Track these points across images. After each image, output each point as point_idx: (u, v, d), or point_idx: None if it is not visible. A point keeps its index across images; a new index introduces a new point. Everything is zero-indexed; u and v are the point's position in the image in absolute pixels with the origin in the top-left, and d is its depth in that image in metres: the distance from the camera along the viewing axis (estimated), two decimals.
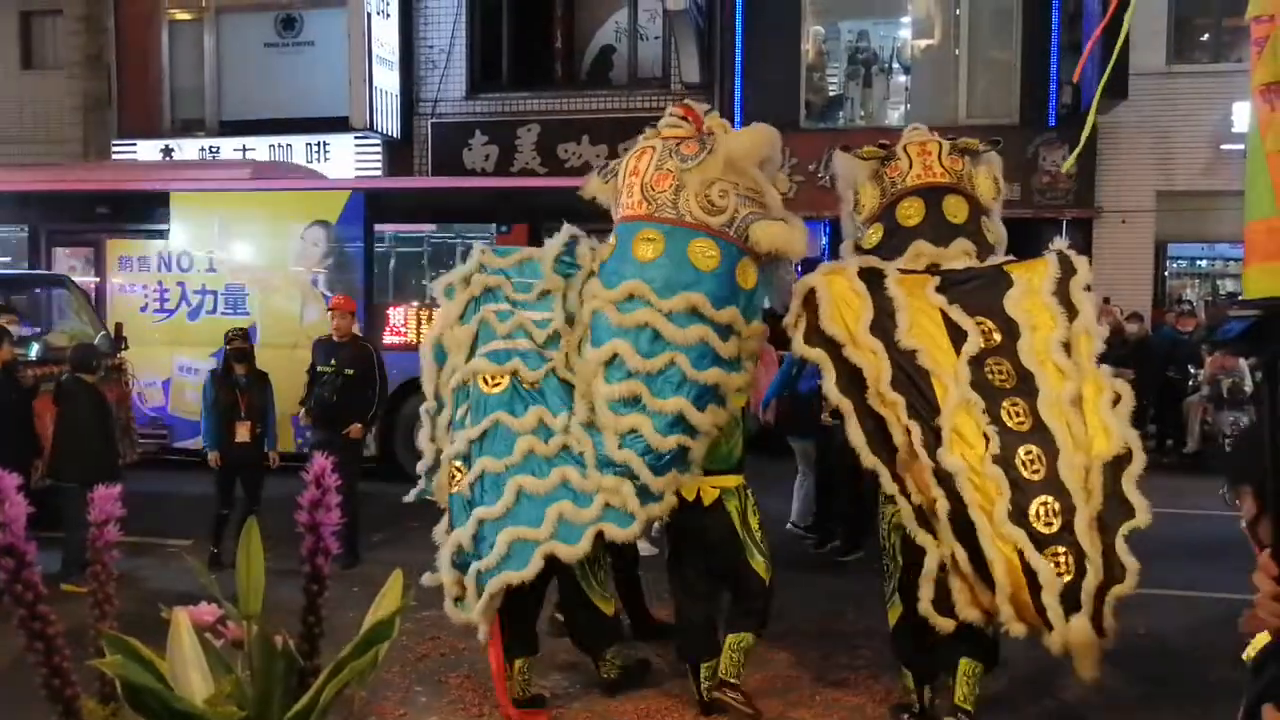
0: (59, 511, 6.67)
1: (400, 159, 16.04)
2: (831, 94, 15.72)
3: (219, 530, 7.79)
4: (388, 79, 15.43)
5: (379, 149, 15.83)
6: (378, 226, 11.51)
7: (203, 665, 1.39)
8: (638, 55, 16.00)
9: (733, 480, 5.29)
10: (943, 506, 4.63)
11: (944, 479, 4.64)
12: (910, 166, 5.51)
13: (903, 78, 15.42)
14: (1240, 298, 6.02)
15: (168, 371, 11.37)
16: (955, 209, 5.38)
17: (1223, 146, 13.62)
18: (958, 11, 14.83)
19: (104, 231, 11.80)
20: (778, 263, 5.29)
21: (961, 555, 4.63)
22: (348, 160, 15.86)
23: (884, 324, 4.91)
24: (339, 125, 15.38)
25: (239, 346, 8.02)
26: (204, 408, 8.08)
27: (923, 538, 4.76)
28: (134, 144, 16.64)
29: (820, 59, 15.62)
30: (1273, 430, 1.71)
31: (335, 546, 1.42)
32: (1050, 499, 4.55)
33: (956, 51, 14.88)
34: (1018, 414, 4.72)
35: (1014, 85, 14.45)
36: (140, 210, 11.64)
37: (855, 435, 4.89)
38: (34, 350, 9.35)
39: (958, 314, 4.93)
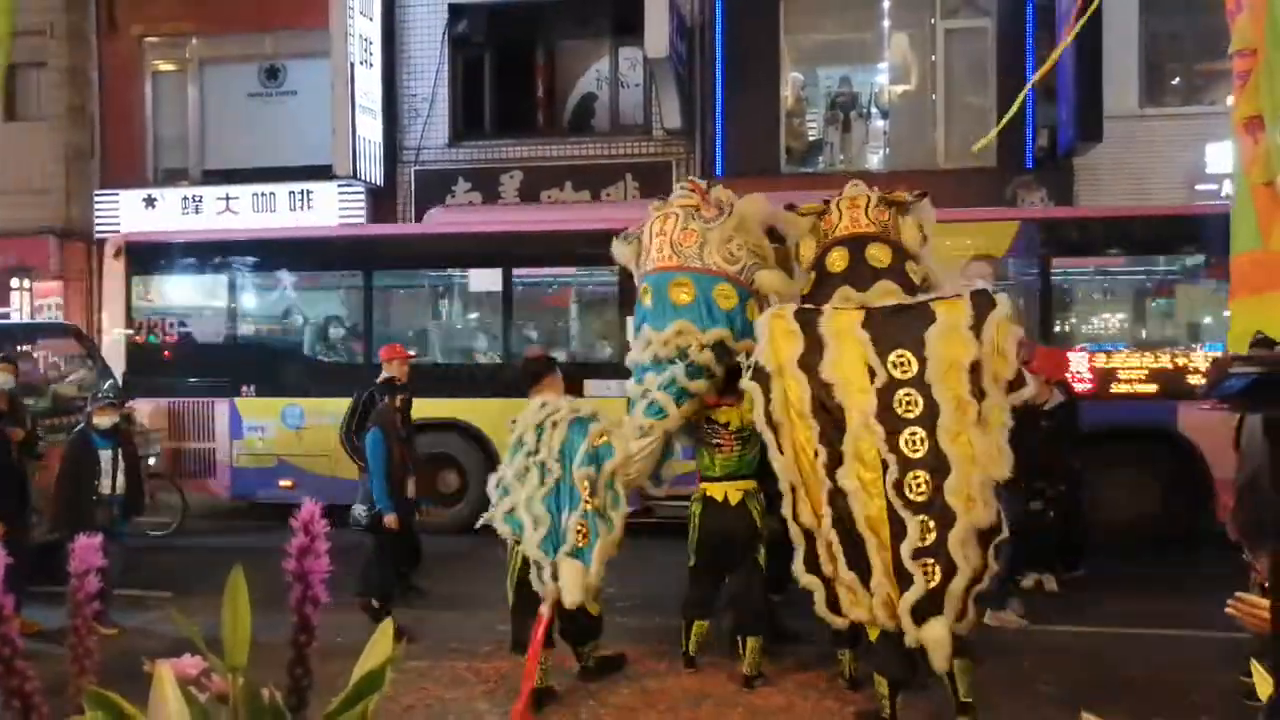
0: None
1: (383, 207, 16.09)
2: (811, 139, 15.86)
3: (389, 592, 7.53)
4: (371, 128, 15.51)
5: (362, 197, 15.88)
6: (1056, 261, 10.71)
7: None
8: (619, 102, 16.14)
9: (752, 484, 6.37)
10: (825, 523, 5.52)
11: (836, 498, 5.48)
12: (840, 219, 6.17)
13: (881, 123, 15.57)
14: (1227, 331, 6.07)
15: None
16: (878, 255, 5.98)
17: (1196, 187, 13.75)
18: (933, 58, 15.02)
19: None
20: (765, 301, 6.37)
21: (842, 568, 5.49)
22: (331, 208, 15.90)
23: (811, 359, 5.63)
24: (322, 173, 15.44)
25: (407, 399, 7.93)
26: (377, 465, 7.45)
27: (797, 554, 5.68)
28: (116, 194, 16.65)
29: (799, 105, 15.78)
30: (1275, 486, 1.74)
31: (324, 595, 1.40)
32: (928, 518, 5.30)
33: (933, 97, 15.05)
34: (917, 440, 5.38)
35: (990, 130, 14.59)
36: None
37: (775, 458, 5.74)
38: (43, 400, 9.31)
39: (876, 349, 5.56)
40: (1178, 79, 14.98)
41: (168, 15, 16.69)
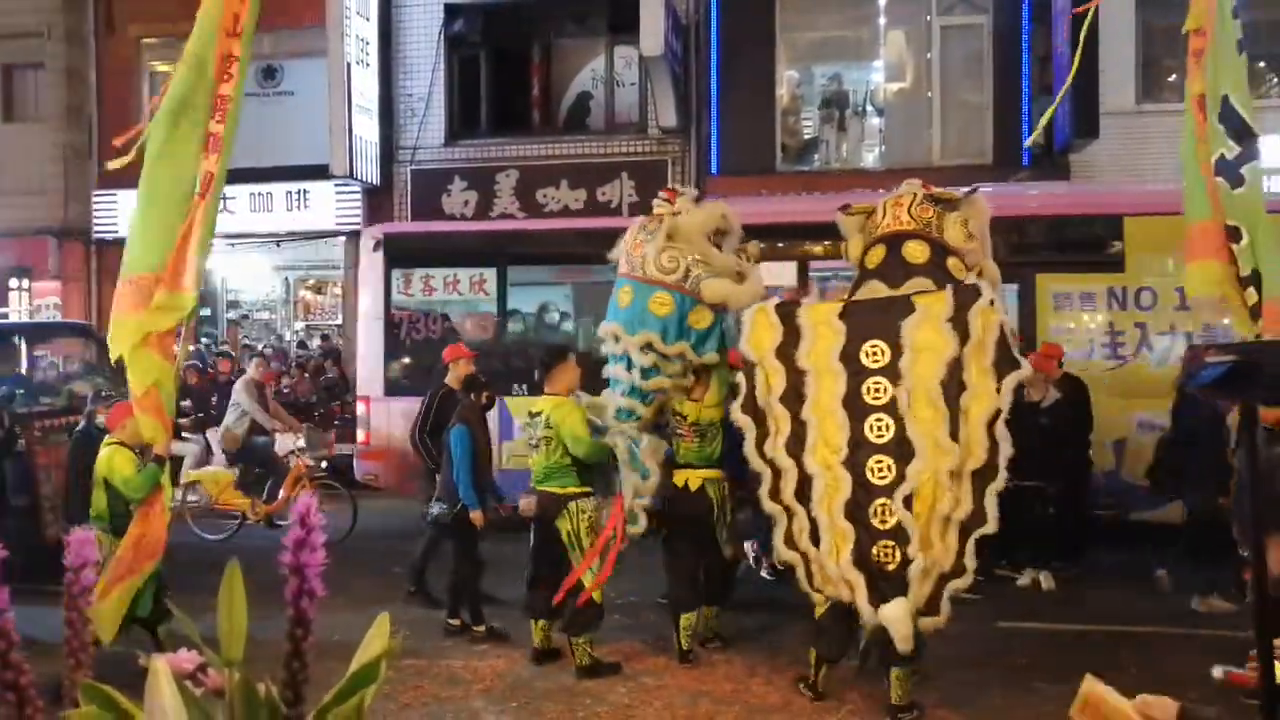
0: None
1: (380, 206, 16.09)
2: (807, 137, 15.85)
3: (463, 598, 7.50)
4: (367, 127, 15.51)
5: (359, 196, 15.88)
6: None
7: (182, 715, 1.38)
8: (615, 101, 16.14)
9: (714, 473, 6.83)
10: (797, 504, 5.79)
11: (804, 482, 5.75)
12: (884, 217, 6.32)
13: (877, 120, 15.58)
14: (1186, 294, 6.39)
15: (1123, 429, 9.63)
16: (915, 252, 6.10)
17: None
18: (929, 55, 15.03)
19: (1034, 265, 10.02)
20: (728, 311, 6.73)
21: (813, 546, 5.74)
22: (328, 208, 15.92)
23: (789, 349, 5.92)
24: (319, 173, 15.44)
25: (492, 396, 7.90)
26: (463, 459, 7.28)
27: (779, 530, 5.90)
28: (114, 194, 16.64)
29: (795, 103, 15.77)
30: (1251, 472, 1.74)
31: (321, 589, 1.37)
32: (887, 502, 5.48)
33: (929, 94, 15.05)
34: (881, 426, 5.60)
35: (987, 126, 14.62)
36: (1084, 239, 10.22)
37: (750, 444, 5.99)
38: (58, 399, 9.33)
39: (851, 339, 5.80)
40: (1174, 75, 14.98)
41: (165, 16, 16.55)
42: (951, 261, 6.10)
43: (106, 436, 6.70)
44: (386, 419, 11.03)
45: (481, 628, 7.35)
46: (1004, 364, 5.52)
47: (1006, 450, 5.46)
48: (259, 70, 16.85)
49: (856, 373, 5.74)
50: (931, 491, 5.44)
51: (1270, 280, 5.59)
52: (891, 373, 5.67)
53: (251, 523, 10.89)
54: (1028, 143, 9.42)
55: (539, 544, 6.84)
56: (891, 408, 5.62)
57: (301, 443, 11.23)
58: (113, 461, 6.34)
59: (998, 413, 5.47)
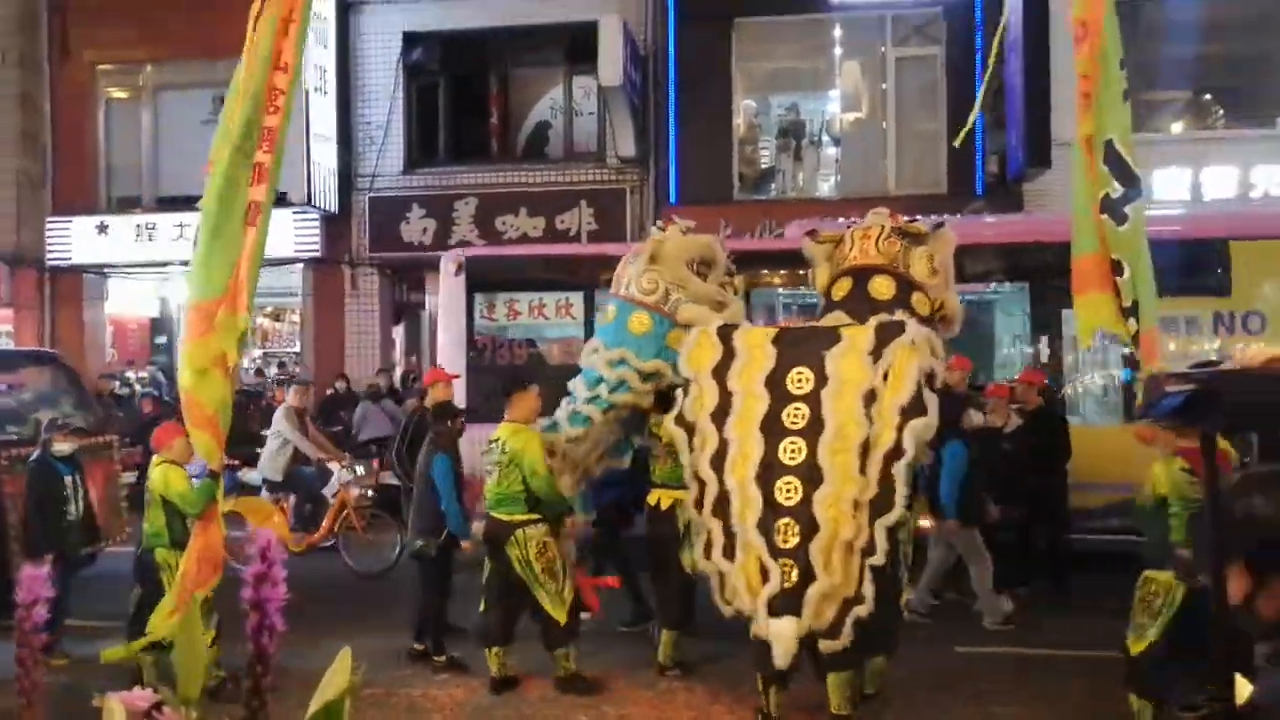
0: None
1: (338, 233, 16.08)
2: (764, 166, 16.02)
3: (428, 626, 7.43)
4: (325, 155, 15.51)
5: (317, 224, 15.84)
6: None
7: None
8: (573, 130, 16.25)
9: (685, 494, 6.51)
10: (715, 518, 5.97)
11: (723, 497, 5.91)
12: (851, 249, 6.44)
13: (833, 150, 15.78)
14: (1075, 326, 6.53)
15: None
16: (881, 287, 6.22)
17: (1146, 212, 13.99)
18: (884, 86, 15.25)
19: None
20: None
21: (722, 559, 5.90)
22: (285, 235, 15.82)
23: (723, 369, 6.11)
24: (278, 200, 15.27)
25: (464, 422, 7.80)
26: (449, 491, 7.21)
27: (698, 543, 6.08)
28: (68, 221, 16.50)
29: (752, 132, 15.94)
30: (1212, 499, 1.83)
31: (282, 624, 1.37)
32: (791, 522, 5.61)
33: (884, 124, 15.27)
34: (795, 450, 5.75)
35: (941, 156, 14.84)
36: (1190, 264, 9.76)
37: (684, 455, 6.21)
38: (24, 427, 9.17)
39: (780, 364, 6.00)
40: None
41: (121, 42, 16.58)
42: (916, 296, 6.21)
43: (155, 456, 6.75)
44: (469, 447, 10.93)
45: (442, 657, 7.30)
46: (912, 410, 5.62)
47: (902, 490, 5.61)
48: (214, 98, 16.78)
49: (780, 397, 5.93)
50: (836, 518, 5.58)
51: (1146, 312, 5.90)
52: (812, 399, 5.84)
53: (296, 554, 10.63)
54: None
55: (491, 571, 6.87)
56: (807, 433, 5.79)
57: (360, 471, 11.05)
58: (168, 479, 6.50)
59: (900, 452, 5.59)
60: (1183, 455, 5.75)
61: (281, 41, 5.89)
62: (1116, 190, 5.92)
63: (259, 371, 18.33)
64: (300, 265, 16.29)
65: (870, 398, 5.71)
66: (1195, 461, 5.65)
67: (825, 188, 15.66)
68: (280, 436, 10.92)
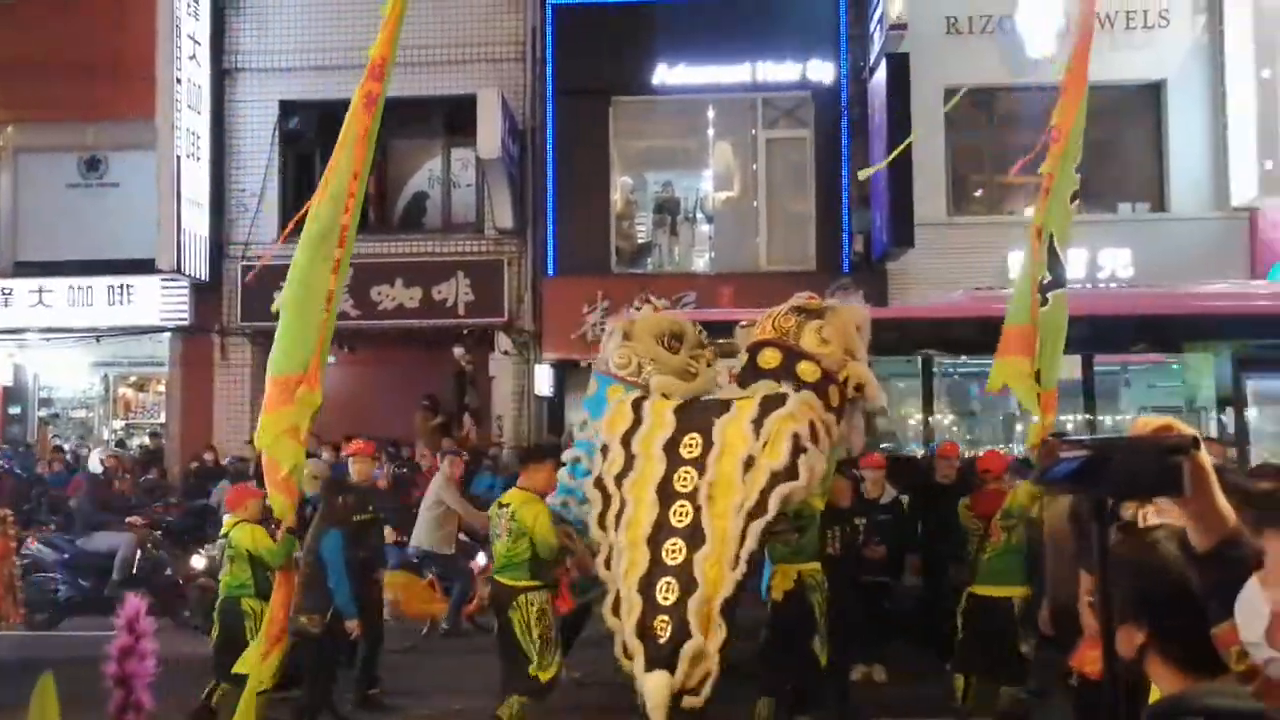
0: None
1: (208, 302, 15.75)
2: (640, 241, 16.30)
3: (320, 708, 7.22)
4: (197, 221, 15.23)
5: (186, 292, 15.51)
6: None
7: None
8: (451, 201, 16.31)
9: None
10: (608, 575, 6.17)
11: (617, 555, 6.12)
12: (756, 329, 6.88)
13: (707, 227, 16.15)
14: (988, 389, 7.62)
15: None
16: (768, 358, 6.60)
17: (1001, 291, 14.66)
18: (755, 166, 15.73)
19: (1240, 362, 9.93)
20: None
21: (613, 618, 6.02)
22: (153, 303, 15.47)
23: (630, 435, 6.40)
24: (144, 267, 15.03)
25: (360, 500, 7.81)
26: (338, 566, 7.23)
27: (608, 598, 6.16)
28: None
29: (629, 208, 16.23)
30: (1102, 567, 1.87)
31: (149, 701, 1.34)
32: (673, 581, 5.85)
33: (755, 203, 15.73)
34: (683, 512, 6.05)
35: (810, 234, 15.34)
36: None
37: (593, 520, 6.36)
38: None
39: (677, 430, 6.33)
40: (980, 190, 16.08)
41: (30, 103, 16.06)
42: (802, 365, 6.56)
43: (228, 517, 7.57)
44: None
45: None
46: (784, 475, 5.98)
47: (751, 546, 5.93)
48: (82, 161, 16.43)
49: (674, 461, 6.25)
50: (714, 579, 5.83)
51: (1048, 378, 7.03)
52: (700, 464, 6.17)
53: (442, 628, 10.47)
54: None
55: (498, 633, 7.17)
56: (693, 495, 6.09)
57: None
58: (255, 536, 7.18)
59: (762, 510, 5.94)
60: None
61: (360, 154, 6.61)
62: (1047, 277, 6.97)
63: (120, 443, 17.71)
64: (167, 334, 15.88)
65: (749, 464, 6.05)
66: None
67: (700, 263, 16.00)
68: (442, 506, 10.58)
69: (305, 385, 6.38)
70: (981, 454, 9.49)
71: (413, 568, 10.74)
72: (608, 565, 6.30)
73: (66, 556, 11.34)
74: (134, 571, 11.07)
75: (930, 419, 11.33)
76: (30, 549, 11.24)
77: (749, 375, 6.61)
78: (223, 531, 7.72)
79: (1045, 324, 7.01)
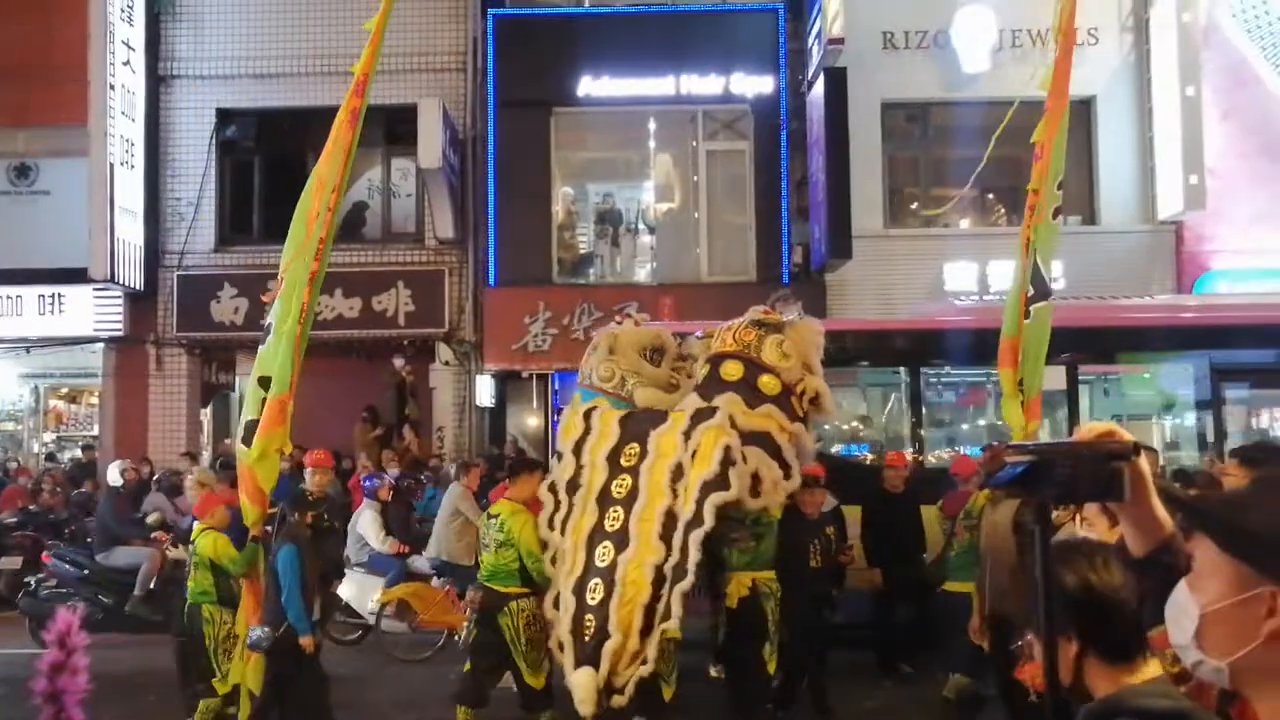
0: None
1: (143, 311, 15.49)
2: (582, 252, 16.32)
3: None
4: (131, 230, 14.98)
5: (120, 301, 15.24)
6: None
7: None
8: (391, 211, 16.22)
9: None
10: (553, 573, 6.64)
11: (560, 556, 6.58)
12: (716, 340, 7.24)
13: (648, 238, 16.20)
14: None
15: None
16: (730, 370, 6.92)
17: (936, 303, 14.88)
18: (695, 178, 15.82)
19: None
20: None
21: (554, 613, 6.52)
22: (85, 313, 15.18)
23: (581, 444, 6.83)
24: (76, 276, 14.74)
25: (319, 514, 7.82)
26: (292, 582, 6.97)
27: (550, 594, 6.64)
28: None
29: (570, 218, 16.26)
30: (1044, 571, 1.87)
31: (80, 717, 1.31)
32: (600, 582, 6.23)
33: (696, 214, 15.81)
34: (615, 518, 6.43)
35: (750, 246, 15.45)
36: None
37: (543, 519, 6.84)
38: None
39: (620, 440, 6.74)
40: (916, 203, 16.31)
41: None
42: (763, 379, 6.82)
43: (197, 524, 7.74)
44: None
45: None
46: (714, 485, 6.29)
47: (695, 557, 6.21)
48: (11, 168, 16.10)
49: (614, 469, 6.63)
50: (635, 580, 6.14)
51: (1031, 386, 7.39)
52: (635, 472, 6.53)
53: (459, 641, 10.22)
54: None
55: (480, 637, 7.35)
56: (626, 501, 6.46)
57: None
58: (217, 544, 7.33)
59: (700, 521, 6.23)
60: None
61: (342, 169, 7.04)
62: (1031, 291, 7.32)
63: (50, 456, 17.35)
64: (100, 345, 15.60)
65: (678, 472, 6.37)
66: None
67: (642, 274, 16.04)
68: (460, 517, 10.54)
69: (290, 402, 6.70)
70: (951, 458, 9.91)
71: (421, 577, 10.69)
72: (553, 563, 6.73)
73: (86, 573, 11.04)
74: (153, 588, 10.85)
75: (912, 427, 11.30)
76: (48, 564, 11.02)
77: (712, 386, 6.83)
78: (191, 538, 7.83)
79: (1029, 335, 7.30)
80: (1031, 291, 7.31)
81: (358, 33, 15.45)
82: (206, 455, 15.67)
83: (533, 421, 16.68)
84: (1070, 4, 7.48)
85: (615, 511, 6.45)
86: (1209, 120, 14.78)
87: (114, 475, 11.97)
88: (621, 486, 6.55)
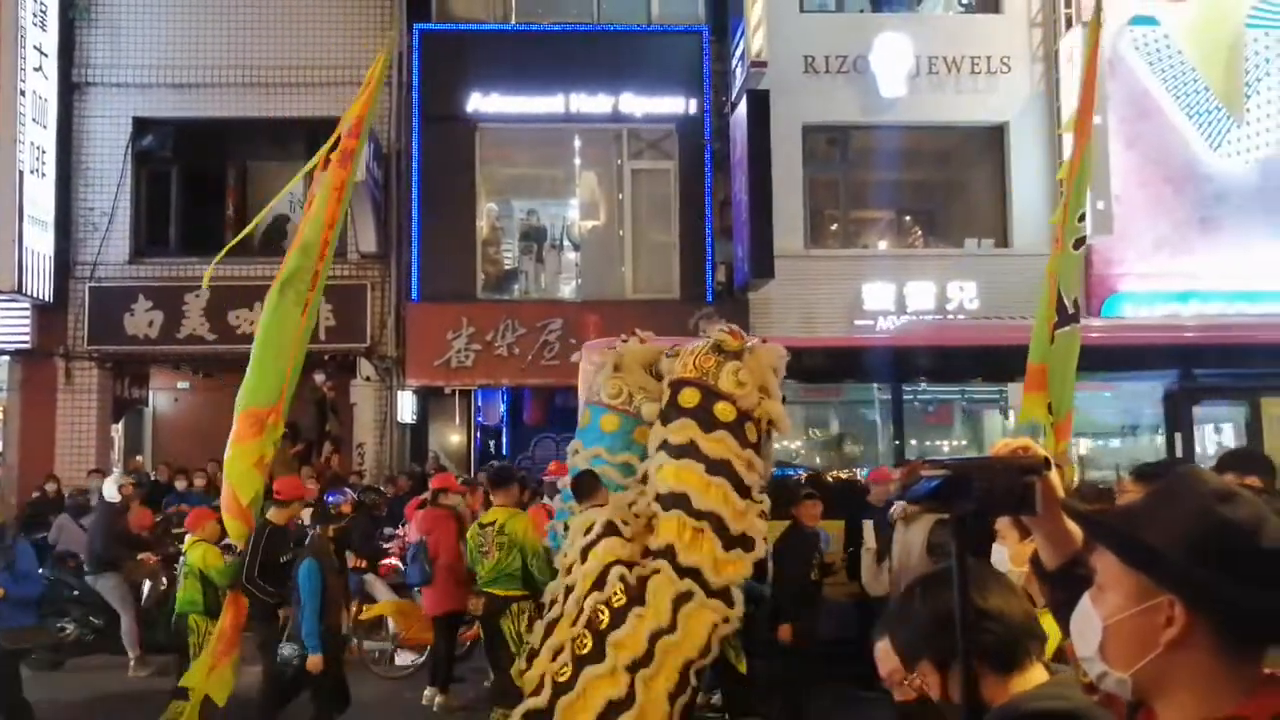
0: None
1: (52, 323, 15.09)
2: (507, 267, 16.30)
3: None
4: (41, 240, 14.59)
5: (28, 313, 14.84)
6: None
7: None
8: None
9: None
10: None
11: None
12: (676, 365, 7.20)
13: (573, 254, 16.25)
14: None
15: None
16: (687, 397, 6.91)
17: (855, 322, 15.14)
18: (620, 196, 15.91)
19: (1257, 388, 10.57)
20: None
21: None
22: None
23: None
24: None
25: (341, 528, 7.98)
26: (311, 597, 6.94)
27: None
28: None
29: (495, 234, 16.23)
30: (961, 586, 1.89)
31: None
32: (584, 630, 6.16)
33: (621, 232, 15.89)
34: (581, 644, 6.24)
35: (674, 264, 15.57)
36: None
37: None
38: None
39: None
40: (835, 225, 16.59)
41: None
42: (719, 405, 6.81)
43: (189, 536, 8.07)
44: None
45: None
46: (668, 630, 6.19)
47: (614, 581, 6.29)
48: None
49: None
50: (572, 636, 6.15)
51: (1059, 408, 7.62)
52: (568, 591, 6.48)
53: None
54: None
55: (489, 642, 7.57)
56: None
57: None
58: (206, 556, 7.71)
59: (684, 689, 6.11)
60: None
61: (334, 207, 7.26)
62: (1054, 318, 7.63)
63: None
64: (6, 357, 15.15)
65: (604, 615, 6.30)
66: None
67: (567, 290, 16.07)
68: None
69: (273, 417, 6.81)
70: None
71: (405, 590, 10.46)
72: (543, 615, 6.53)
73: (77, 594, 10.69)
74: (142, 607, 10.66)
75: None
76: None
77: (671, 412, 6.89)
78: (184, 550, 8.17)
79: (1055, 358, 7.60)
80: (1055, 318, 7.65)
81: (282, 44, 15.44)
82: (116, 473, 15.26)
83: (455, 438, 16.58)
84: (1092, 51, 8.30)
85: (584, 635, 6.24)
86: (1115, 148, 15.27)
87: (110, 490, 11.45)
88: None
